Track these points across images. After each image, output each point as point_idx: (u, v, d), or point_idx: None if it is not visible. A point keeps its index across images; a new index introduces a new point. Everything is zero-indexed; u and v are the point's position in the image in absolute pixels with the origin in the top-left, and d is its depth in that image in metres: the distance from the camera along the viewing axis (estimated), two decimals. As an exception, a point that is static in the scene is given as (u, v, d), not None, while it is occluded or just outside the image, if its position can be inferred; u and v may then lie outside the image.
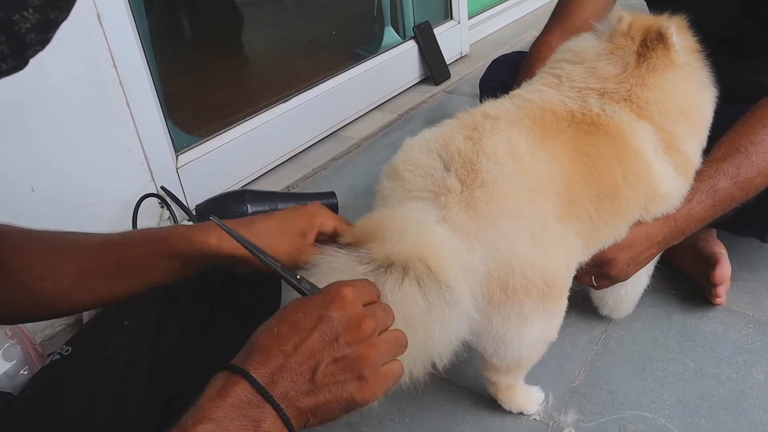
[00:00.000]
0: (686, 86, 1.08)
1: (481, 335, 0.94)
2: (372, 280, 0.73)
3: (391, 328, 0.67)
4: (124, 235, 0.84)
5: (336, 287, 0.64)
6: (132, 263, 0.82)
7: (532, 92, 1.04)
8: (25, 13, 0.45)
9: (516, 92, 1.07)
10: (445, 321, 0.77)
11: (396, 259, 0.76)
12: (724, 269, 1.32)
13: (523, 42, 3.01)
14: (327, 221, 0.90)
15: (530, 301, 0.89)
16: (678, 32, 1.06)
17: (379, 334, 0.64)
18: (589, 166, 0.93)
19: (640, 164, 0.99)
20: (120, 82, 1.52)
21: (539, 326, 0.96)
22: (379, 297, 0.69)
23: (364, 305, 0.64)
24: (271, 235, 0.83)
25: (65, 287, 0.78)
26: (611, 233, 1.02)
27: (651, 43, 1.04)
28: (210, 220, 0.74)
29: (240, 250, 0.75)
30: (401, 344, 0.66)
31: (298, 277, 0.66)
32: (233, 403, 0.57)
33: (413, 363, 0.76)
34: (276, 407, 0.58)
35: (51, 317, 0.88)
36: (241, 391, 0.57)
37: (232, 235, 0.68)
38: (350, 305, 0.62)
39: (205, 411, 0.56)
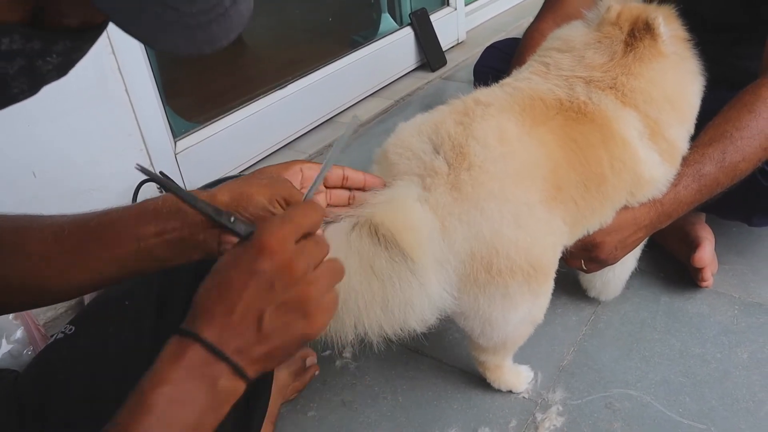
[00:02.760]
0: (672, 75, 1.10)
1: (468, 315, 0.97)
2: (348, 231, 0.80)
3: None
4: (100, 210, 0.78)
5: (261, 237, 0.63)
6: (99, 233, 0.75)
7: (521, 80, 1.06)
8: (48, 58, 0.47)
9: (506, 80, 1.09)
10: (404, 285, 0.81)
11: (371, 222, 0.82)
12: (704, 253, 1.35)
13: (520, 28, 3.02)
14: (307, 165, 0.85)
15: (516, 282, 0.92)
16: (666, 22, 1.08)
17: (315, 268, 0.64)
18: (577, 152, 0.96)
19: (626, 151, 1.01)
20: (119, 69, 1.54)
21: (525, 307, 0.98)
22: (318, 224, 0.68)
23: (297, 241, 0.64)
24: (237, 181, 0.78)
25: (33, 266, 0.74)
26: (597, 218, 1.04)
27: (639, 33, 1.06)
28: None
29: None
30: (338, 272, 0.67)
31: (232, 219, 0.65)
32: (188, 364, 0.58)
33: (367, 316, 0.80)
34: (230, 362, 0.59)
35: (26, 306, 0.84)
36: (195, 353, 0.59)
37: (155, 179, 0.67)
38: (278, 252, 0.62)
39: (161, 374, 0.58)
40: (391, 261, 0.79)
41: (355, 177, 0.90)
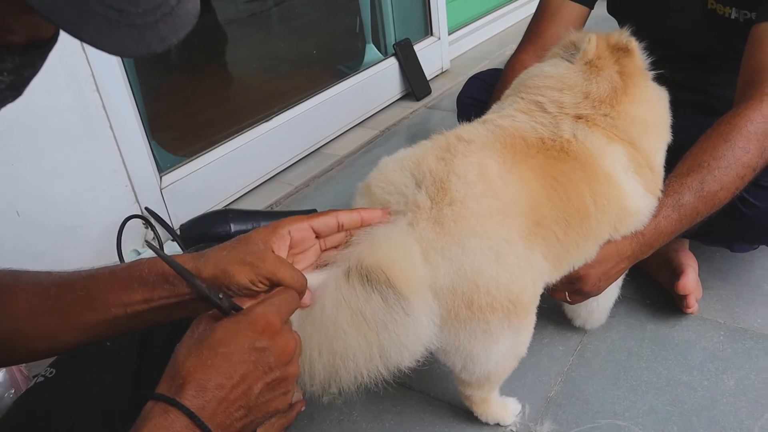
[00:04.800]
0: (657, 93, 1.13)
1: (449, 351, 0.96)
2: (340, 281, 0.80)
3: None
4: (84, 271, 0.79)
5: (261, 314, 0.66)
6: (86, 298, 0.75)
7: (505, 117, 1.06)
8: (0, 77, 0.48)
9: (490, 117, 1.09)
10: (399, 326, 0.80)
11: (360, 265, 0.81)
12: (687, 280, 1.36)
13: (503, 56, 3.06)
14: (296, 225, 0.83)
15: (496, 318, 0.92)
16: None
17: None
18: (558, 190, 0.97)
19: (611, 186, 1.02)
20: (103, 106, 1.55)
21: (506, 343, 0.98)
22: (294, 310, 0.73)
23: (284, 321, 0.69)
24: (221, 254, 0.77)
25: (18, 326, 0.74)
26: (581, 254, 1.05)
27: (622, 59, 1.08)
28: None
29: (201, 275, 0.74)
30: (300, 351, 0.71)
31: (220, 296, 0.68)
32: None
33: (370, 361, 0.79)
34: None
35: (13, 362, 0.86)
36: (181, 425, 0.59)
37: (160, 256, 0.68)
38: (277, 332, 0.66)
39: None
40: (385, 304, 0.79)
41: (351, 220, 0.88)
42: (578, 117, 1.04)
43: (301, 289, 0.76)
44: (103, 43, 0.45)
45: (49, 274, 0.78)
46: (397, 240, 0.88)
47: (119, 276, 0.76)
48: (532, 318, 1.02)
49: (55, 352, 0.83)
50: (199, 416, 0.59)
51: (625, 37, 1.09)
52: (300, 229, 0.83)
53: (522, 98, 1.09)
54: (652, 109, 1.11)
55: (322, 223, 0.85)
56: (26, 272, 0.78)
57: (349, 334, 0.78)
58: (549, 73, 1.10)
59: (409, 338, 0.82)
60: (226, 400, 0.62)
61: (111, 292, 0.75)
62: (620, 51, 1.08)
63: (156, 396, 0.61)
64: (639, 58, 1.10)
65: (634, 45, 1.09)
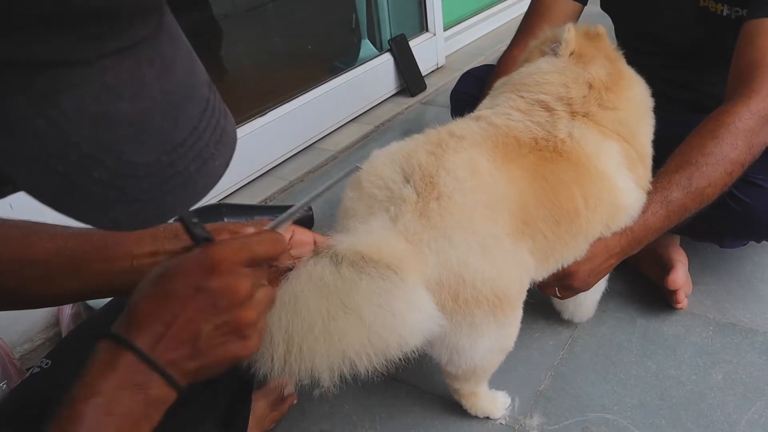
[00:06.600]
0: (636, 75, 1.16)
1: (435, 344, 0.97)
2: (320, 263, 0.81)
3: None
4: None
5: (214, 255, 0.63)
6: (100, 248, 0.78)
7: (499, 115, 1.06)
8: None
9: (484, 113, 1.08)
10: (392, 300, 0.80)
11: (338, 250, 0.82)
12: (677, 275, 1.37)
13: (499, 52, 3.01)
14: (301, 229, 0.89)
15: (481, 312, 0.92)
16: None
17: (257, 293, 0.65)
18: (546, 189, 0.97)
19: (604, 185, 1.03)
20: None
21: (491, 337, 0.99)
22: (275, 257, 0.69)
23: (249, 265, 0.64)
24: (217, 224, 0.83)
25: (33, 272, 0.77)
26: (571, 252, 1.06)
27: (600, 44, 1.10)
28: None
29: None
30: (273, 299, 0.68)
31: (194, 220, 0.64)
32: (121, 374, 0.58)
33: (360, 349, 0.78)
34: (163, 373, 0.59)
35: (17, 306, 0.85)
36: (128, 362, 0.58)
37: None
38: (227, 274, 0.62)
39: (93, 385, 0.57)
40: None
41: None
42: (583, 114, 1.04)
43: (275, 246, 0.71)
44: (93, 219, 0.42)
45: (67, 227, 0.80)
46: (378, 228, 0.88)
47: (136, 232, 0.80)
48: (518, 313, 1.03)
49: (59, 302, 0.86)
50: (145, 351, 0.59)
51: (592, 25, 1.11)
52: (303, 233, 0.87)
53: (522, 96, 1.08)
54: (640, 91, 1.13)
55: (325, 240, 0.88)
56: (47, 224, 0.81)
57: (342, 318, 0.78)
58: (548, 69, 1.09)
59: (406, 311, 0.81)
60: (169, 338, 0.60)
61: (124, 244, 0.78)
62: (594, 38, 1.10)
63: (105, 334, 0.60)
64: (609, 42, 1.12)
65: (603, 29, 1.10)
